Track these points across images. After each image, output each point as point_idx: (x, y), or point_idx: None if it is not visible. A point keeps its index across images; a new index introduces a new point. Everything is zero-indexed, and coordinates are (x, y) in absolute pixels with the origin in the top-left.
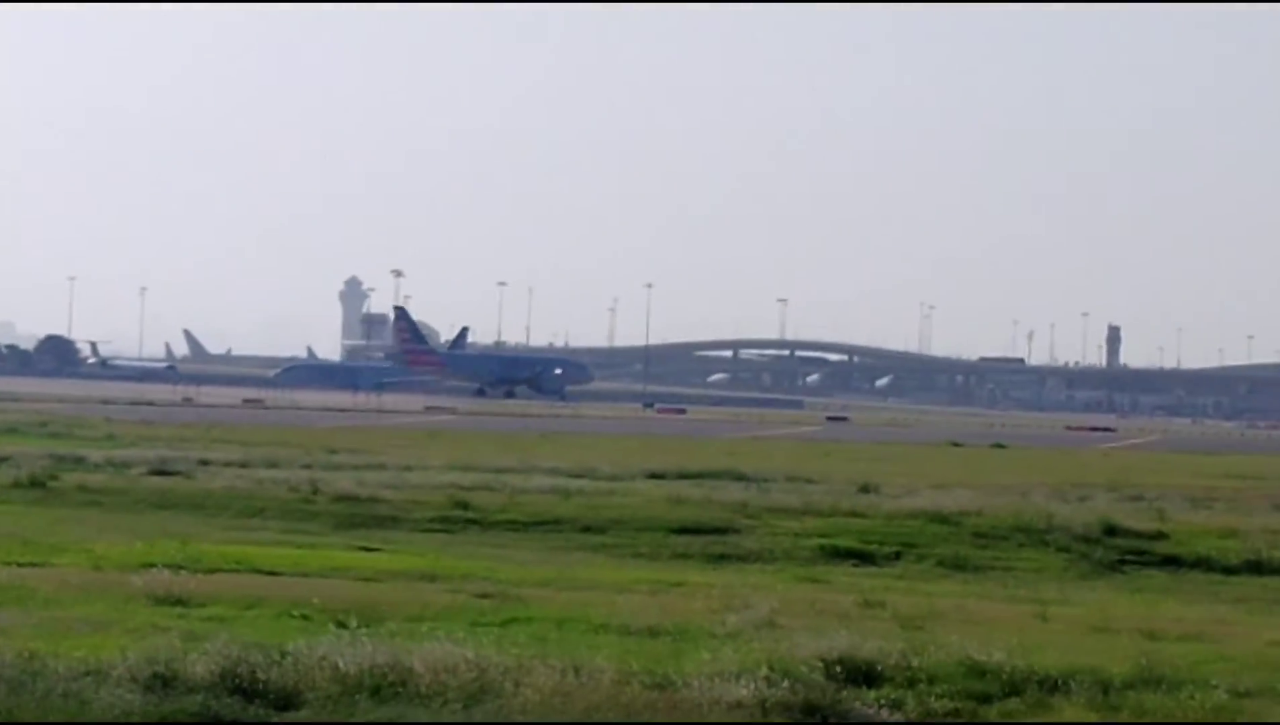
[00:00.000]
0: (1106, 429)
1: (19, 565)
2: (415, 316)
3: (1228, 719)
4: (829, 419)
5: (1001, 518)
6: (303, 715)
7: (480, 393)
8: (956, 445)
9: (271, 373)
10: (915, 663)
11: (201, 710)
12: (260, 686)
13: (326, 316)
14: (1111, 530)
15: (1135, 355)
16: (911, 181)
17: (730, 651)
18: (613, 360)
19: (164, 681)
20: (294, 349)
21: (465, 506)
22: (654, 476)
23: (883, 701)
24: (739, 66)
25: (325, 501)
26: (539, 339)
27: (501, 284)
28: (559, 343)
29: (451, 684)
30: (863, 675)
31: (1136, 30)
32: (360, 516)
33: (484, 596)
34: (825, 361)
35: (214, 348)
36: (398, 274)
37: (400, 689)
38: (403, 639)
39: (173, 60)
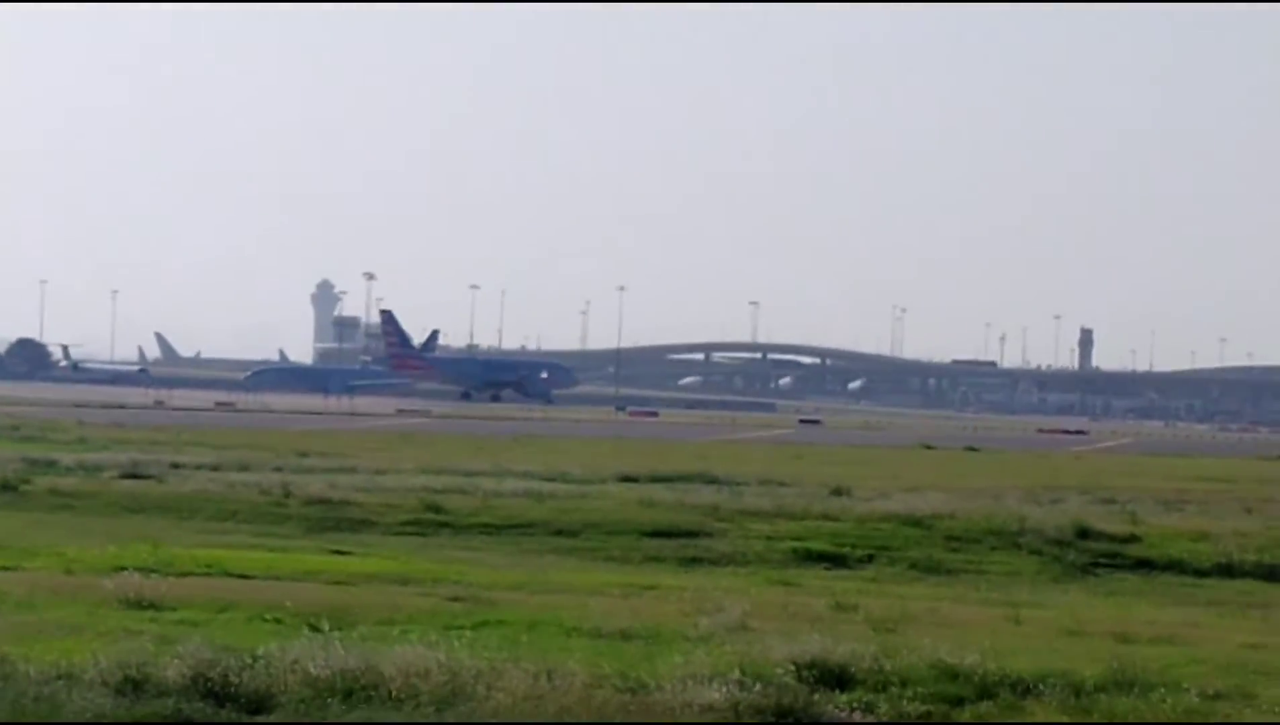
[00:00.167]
0: (1079, 432)
1: None
2: None
3: (1200, 721)
4: (801, 422)
5: (974, 521)
6: (274, 718)
7: (466, 396)
8: (929, 448)
9: (242, 376)
10: (887, 666)
11: (173, 714)
12: (232, 690)
13: (299, 320)
14: (1084, 533)
15: (1107, 358)
16: (883, 184)
17: (702, 655)
18: (585, 363)
19: (136, 685)
20: (266, 352)
21: (437, 510)
22: (626, 480)
23: (855, 704)
24: (711, 69)
25: (297, 505)
26: (511, 342)
27: (474, 287)
28: (531, 345)
29: (423, 687)
30: (835, 678)
31: (1106, 33)
32: (332, 520)
33: (456, 600)
34: (797, 364)
35: (186, 351)
36: (370, 277)
37: (372, 692)
38: (375, 643)
39: (146, 64)
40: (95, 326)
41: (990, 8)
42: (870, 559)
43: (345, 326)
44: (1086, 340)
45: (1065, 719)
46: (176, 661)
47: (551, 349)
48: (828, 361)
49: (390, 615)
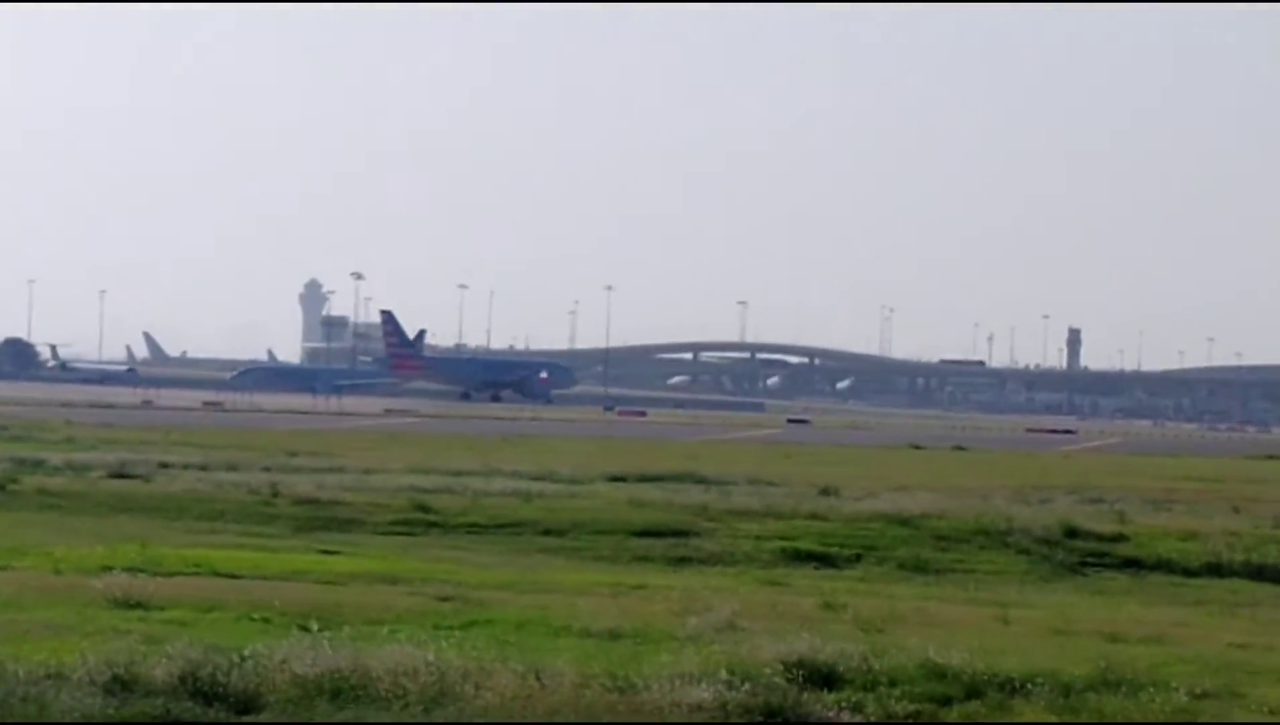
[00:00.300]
0: (1067, 431)
1: None
2: (375, 319)
3: (1188, 721)
4: (789, 421)
5: (962, 520)
6: (262, 718)
7: (465, 397)
8: (917, 448)
9: (229, 376)
10: (876, 665)
11: (161, 713)
12: (220, 690)
13: (287, 319)
14: (1072, 533)
15: (1095, 358)
16: (872, 184)
17: (691, 654)
18: (573, 363)
19: (124, 685)
20: (254, 352)
21: (426, 509)
22: (614, 479)
23: (843, 704)
24: (699, 69)
25: (285, 504)
26: (499, 341)
27: (462, 286)
28: (519, 345)
29: (411, 687)
30: (823, 678)
31: (1093, 34)
32: (321, 519)
33: (444, 599)
34: (786, 364)
35: (175, 351)
36: (358, 276)
37: (360, 692)
38: (363, 642)
39: (136, 64)
40: (83, 326)
41: (979, 8)
42: (858, 559)
43: (333, 326)
44: (1074, 340)
45: (1053, 718)
46: (165, 661)
47: (540, 349)
48: (816, 361)
49: (378, 615)
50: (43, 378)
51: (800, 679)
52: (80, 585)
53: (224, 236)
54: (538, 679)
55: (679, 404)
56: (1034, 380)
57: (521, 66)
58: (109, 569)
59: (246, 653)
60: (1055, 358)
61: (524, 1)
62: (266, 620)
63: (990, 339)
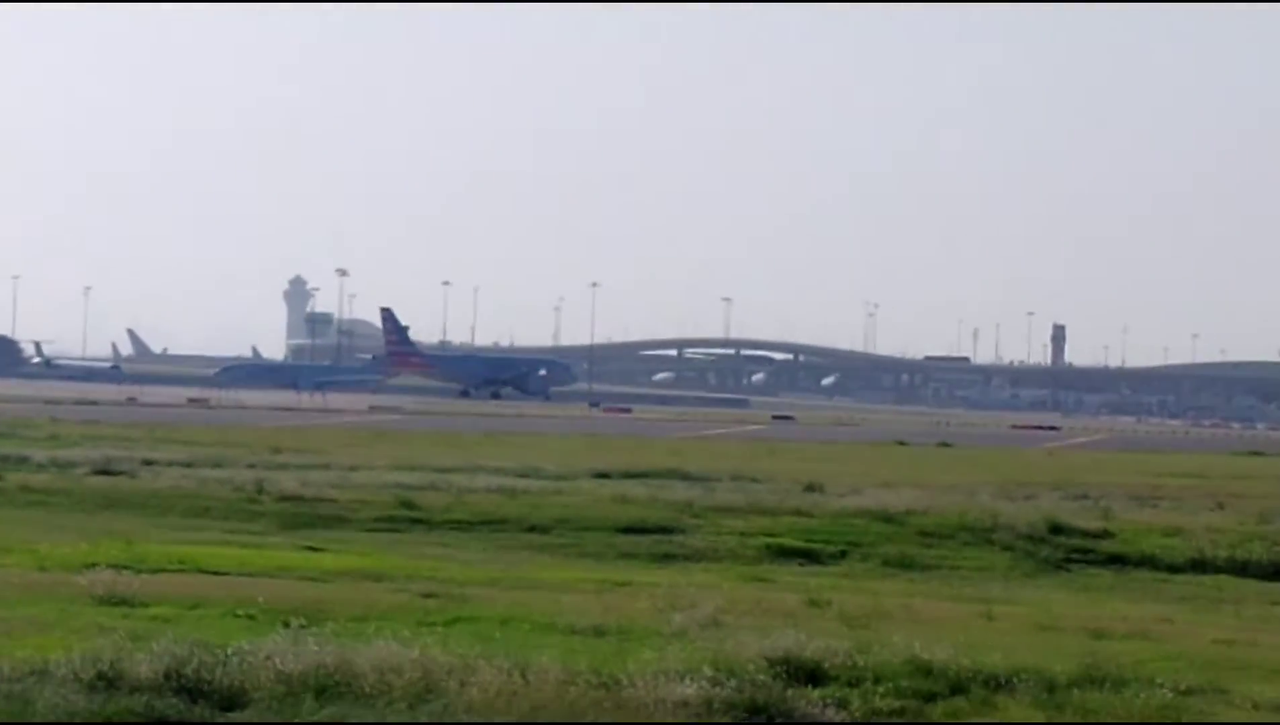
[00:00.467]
0: (1052, 428)
1: None
2: (360, 316)
3: (1172, 717)
4: (774, 418)
5: (947, 517)
6: (247, 715)
7: (465, 394)
8: (902, 444)
9: (212, 372)
10: (861, 661)
11: (146, 710)
12: (205, 686)
13: (272, 316)
14: (1057, 529)
15: (1080, 354)
16: (856, 181)
17: (676, 651)
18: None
19: (109, 681)
20: (239, 349)
21: (411, 506)
22: (599, 476)
23: (828, 700)
24: (681, 65)
25: (270, 501)
26: (484, 339)
27: (446, 283)
28: (504, 342)
29: (397, 684)
30: (808, 674)
31: (1075, 31)
32: (305, 516)
33: (429, 596)
34: (770, 360)
35: (159, 348)
36: (342, 273)
37: (345, 689)
38: (348, 639)
39: (120, 61)
40: (68, 323)
41: (961, 7)
42: (843, 555)
43: (318, 323)
44: (1059, 336)
45: (1039, 714)
46: (149, 658)
47: (524, 346)
48: (801, 357)
49: (363, 612)
50: (27, 374)
51: (785, 675)
52: (65, 582)
53: (209, 233)
54: (522, 675)
55: (664, 400)
56: (1019, 376)
57: (506, 65)
58: (93, 566)
59: (231, 649)
60: (1040, 354)
61: (511, 1)
62: (251, 617)
63: (975, 335)
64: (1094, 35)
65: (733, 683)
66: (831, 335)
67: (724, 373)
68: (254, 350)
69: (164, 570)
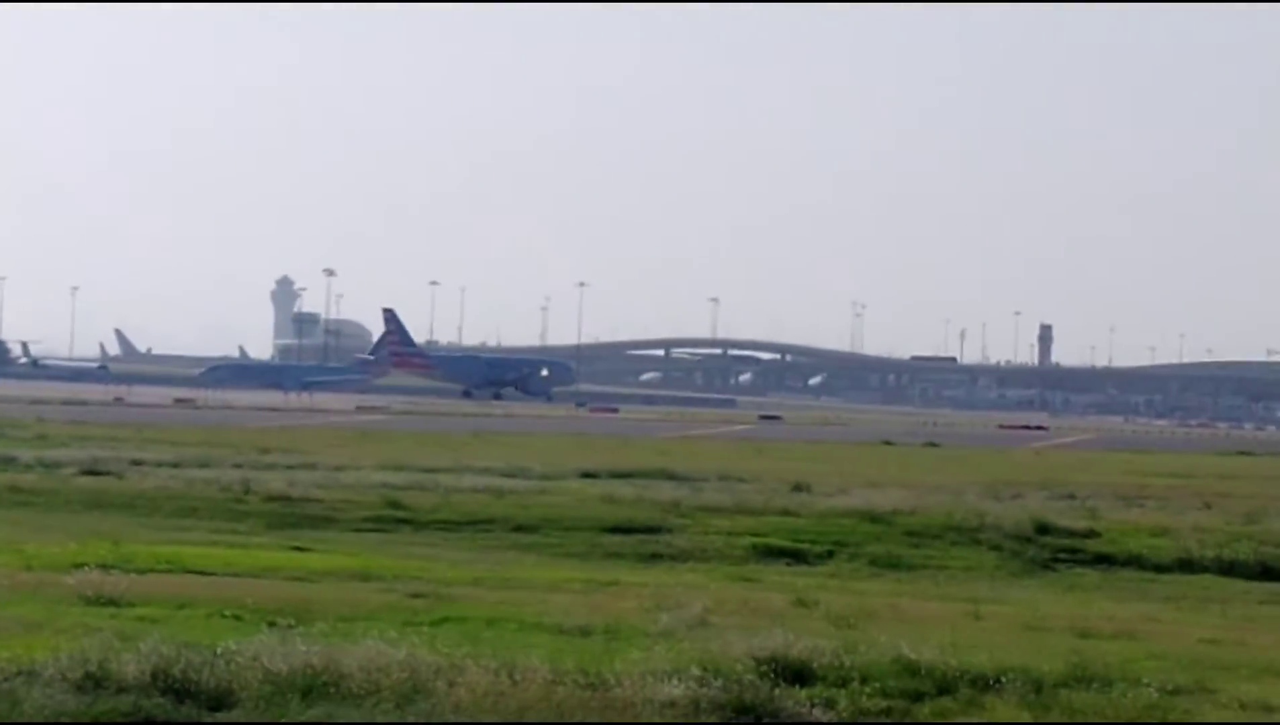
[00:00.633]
0: (1039, 427)
1: None
2: (347, 316)
3: (1159, 717)
4: (761, 418)
5: (934, 516)
6: (235, 715)
7: (467, 394)
8: (889, 444)
9: (198, 372)
10: (848, 661)
11: (133, 710)
12: (192, 687)
13: (259, 316)
14: (1043, 529)
15: (1067, 354)
16: (843, 182)
17: (663, 650)
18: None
19: (96, 681)
20: (226, 349)
21: (398, 506)
22: (586, 476)
23: (815, 700)
24: (670, 66)
25: (257, 501)
26: (471, 338)
27: (434, 283)
28: (491, 342)
29: (384, 684)
30: (795, 674)
31: (1063, 31)
32: (293, 516)
33: (416, 596)
34: (757, 360)
35: (145, 348)
36: (329, 273)
37: (333, 689)
38: (335, 639)
39: (105, 62)
40: (55, 323)
41: (954, 7)
42: (830, 555)
43: (305, 323)
44: (1046, 336)
45: (1025, 714)
46: (137, 658)
47: (511, 345)
48: (788, 357)
49: (350, 612)
50: (14, 375)
51: (772, 675)
52: (52, 582)
53: (196, 234)
54: (510, 676)
55: (651, 400)
56: (1005, 376)
57: (492, 64)
58: (81, 566)
59: (219, 650)
60: (1027, 354)
61: (500, 1)
62: (238, 617)
63: (962, 335)
64: (1081, 36)
65: (720, 682)
66: (818, 335)
67: (711, 373)
68: (241, 350)
69: (151, 570)
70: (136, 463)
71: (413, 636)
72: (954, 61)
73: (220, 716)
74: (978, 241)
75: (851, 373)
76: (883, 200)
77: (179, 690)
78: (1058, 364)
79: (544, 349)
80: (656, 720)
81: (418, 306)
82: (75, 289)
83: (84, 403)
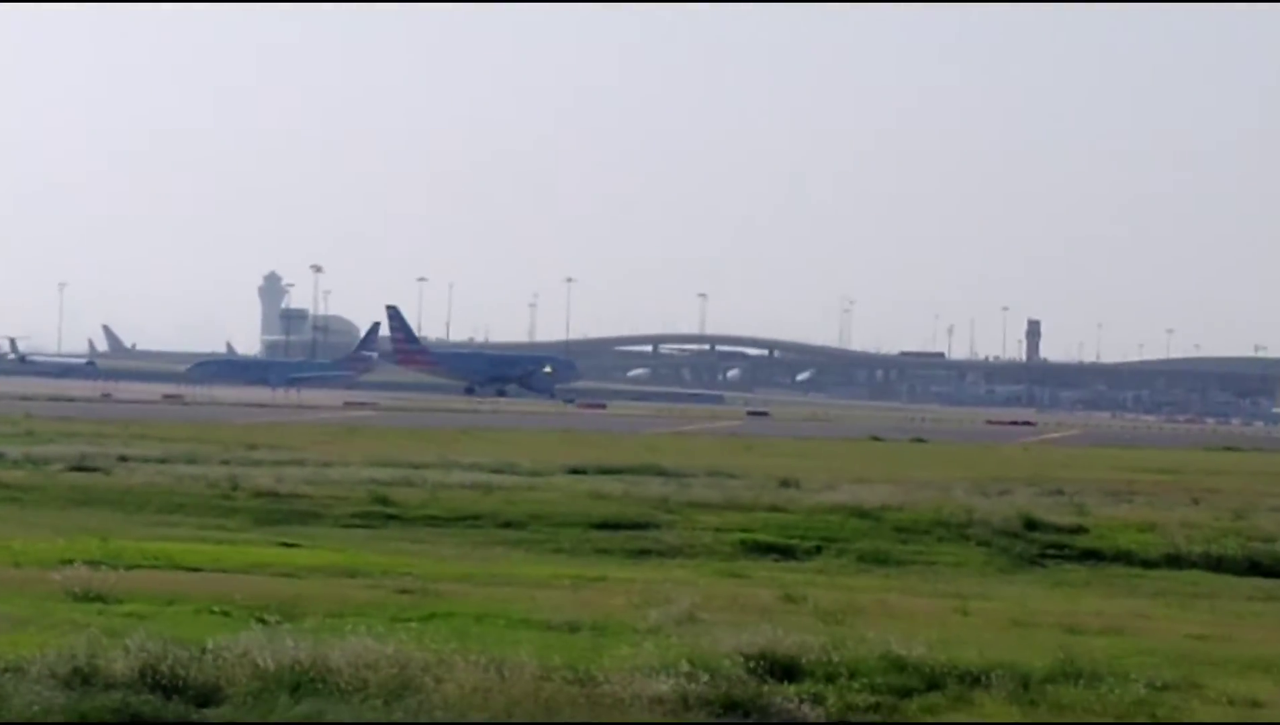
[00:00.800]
0: (1026, 423)
1: None
2: (335, 312)
3: (1146, 712)
4: (749, 414)
5: (922, 512)
6: (223, 712)
7: (470, 391)
8: (877, 440)
9: (183, 368)
10: (836, 657)
11: (121, 707)
12: (180, 683)
13: (247, 312)
14: (1031, 524)
15: (1055, 349)
16: (831, 177)
17: (651, 646)
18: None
19: (83, 678)
20: (214, 345)
21: (386, 502)
22: (574, 472)
23: (803, 696)
24: (658, 62)
25: (245, 497)
26: (459, 334)
27: (421, 279)
28: (479, 338)
29: (372, 680)
30: (784, 670)
31: (1051, 26)
32: (280, 512)
33: (404, 592)
34: (745, 356)
35: (130, 343)
36: (317, 269)
37: (321, 685)
38: (323, 635)
39: (91, 57)
40: (43, 319)
41: (942, 7)
42: (818, 550)
43: (293, 319)
44: (1034, 332)
45: (1014, 709)
46: (125, 654)
47: (499, 341)
48: (776, 353)
49: (338, 608)
50: (2, 371)
51: (761, 671)
52: (39, 578)
53: (184, 229)
54: (498, 672)
55: (639, 396)
56: (993, 372)
57: (481, 61)
58: (68, 562)
59: (207, 646)
60: (1015, 350)
61: (479, 2)
62: (226, 613)
63: (950, 331)
64: (1071, 33)
65: (708, 678)
66: (807, 331)
67: (699, 369)
68: (229, 346)
69: (139, 567)
70: (124, 459)
71: (401, 632)
72: (944, 59)
73: (208, 713)
74: (966, 238)
75: (840, 368)
76: (871, 196)
77: (167, 687)
78: (1046, 360)
79: (532, 345)
80: (645, 716)
81: (405, 302)
82: (63, 285)
83: (71, 399)
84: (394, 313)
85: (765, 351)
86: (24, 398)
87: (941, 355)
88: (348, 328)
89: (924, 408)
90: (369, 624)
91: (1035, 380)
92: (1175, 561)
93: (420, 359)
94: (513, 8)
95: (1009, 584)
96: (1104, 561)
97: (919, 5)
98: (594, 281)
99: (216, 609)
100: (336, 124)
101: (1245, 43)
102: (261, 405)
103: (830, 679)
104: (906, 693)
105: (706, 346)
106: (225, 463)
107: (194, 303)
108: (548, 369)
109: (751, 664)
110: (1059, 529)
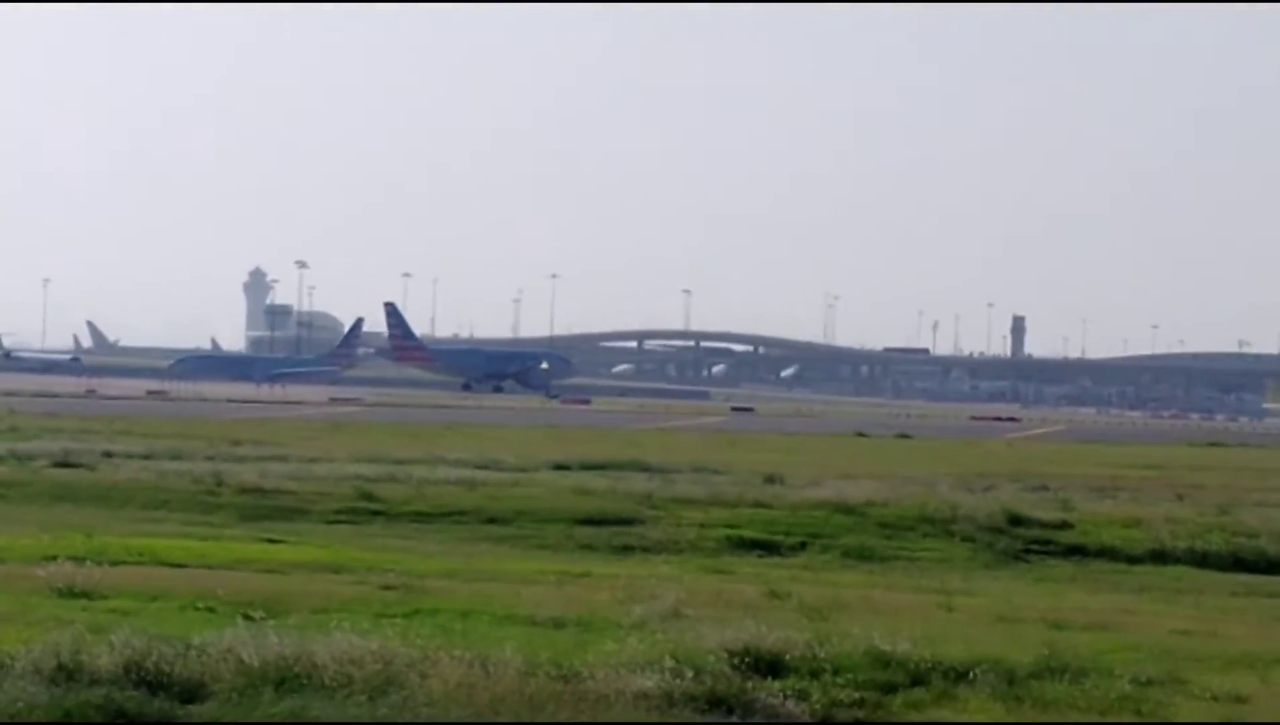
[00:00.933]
0: (1011, 419)
1: None
2: (319, 308)
3: (1131, 708)
4: (734, 410)
5: (907, 508)
6: (208, 708)
7: (466, 387)
8: (862, 436)
9: (165, 364)
10: (821, 653)
11: (105, 703)
12: (165, 679)
13: (231, 308)
14: (1016, 520)
15: (1039, 345)
16: (815, 172)
17: (636, 642)
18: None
19: (68, 674)
20: (198, 341)
21: (370, 498)
22: (559, 468)
23: (788, 692)
24: (640, 59)
25: (229, 493)
26: (444, 330)
27: (406, 275)
28: (464, 334)
29: (357, 676)
30: (768, 666)
31: (1034, 24)
32: (265, 508)
33: (389, 588)
34: (730, 352)
35: (122, 341)
36: (302, 265)
37: (305, 681)
38: (308, 631)
39: (74, 53)
40: (28, 315)
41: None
42: (803, 546)
43: (277, 315)
44: (1019, 327)
45: (998, 705)
46: (109, 650)
47: (483, 337)
48: (760, 349)
49: (323, 604)
50: None
51: (745, 667)
52: (24, 574)
53: (168, 225)
54: (483, 668)
55: (623, 392)
56: (978, 368)
57: (462, 58)
58: (53, 558)
59: (192, 642)
60: (999, 345)
61: (464, 2)
62: (211, 609)
63: (935, 327)
64: (1053, 29)
65: (693, 674)
66: (792, 327)
67: (684, 365)
68: (213, 342)
69: (123, 563)
70: (108, 455)
71: (386, 629)
72: (927, 55)
73: (193, 709)
74: (951, 234)
75: (824, 364)
76: (855, 192)
77: (152, 683)
78: (1030, 356)
79: (516, 341)
80: (629, 712)
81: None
82: (47, 281)
83: (56, 395)
84: (392, 309)
85: (750, 348)
86: (8, 393)
87: (926, 351)
88: (332, 324)
89: (909, 404)
90: (354, 620)
91: (1020, 376)
92: (1160, 557)
93: (418, 355)
94: (495, 6)
95: (993, 580)
96: (1088, 557)
97: (903, 4)
98: (578, 278)
99: (201, 605)
100: (321, 121)
101: (1226, 40)
102: (246, 401)
103: (815, 675)
104: (891, 689)
105: (691, 343)
106: (210, 459)
107: (179, 299)
108: (545, 365)
109: (736, 660)
110: (1043, 525)
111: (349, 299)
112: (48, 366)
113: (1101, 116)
